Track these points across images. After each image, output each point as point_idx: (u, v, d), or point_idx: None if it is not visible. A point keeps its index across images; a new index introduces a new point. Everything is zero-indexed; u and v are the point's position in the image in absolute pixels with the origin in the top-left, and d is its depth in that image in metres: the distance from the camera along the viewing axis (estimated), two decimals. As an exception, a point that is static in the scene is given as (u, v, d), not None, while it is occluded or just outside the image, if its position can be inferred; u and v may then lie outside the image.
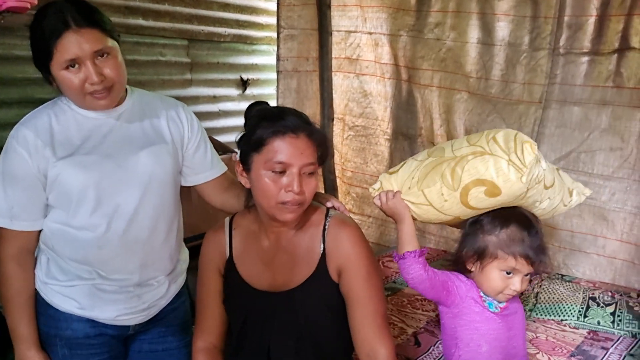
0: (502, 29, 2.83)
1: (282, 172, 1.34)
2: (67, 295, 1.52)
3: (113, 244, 1.49)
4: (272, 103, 3.57)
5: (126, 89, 1.56)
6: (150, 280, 1.57)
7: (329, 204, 1.54)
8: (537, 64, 2.76)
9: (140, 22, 3.02)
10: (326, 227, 1.43)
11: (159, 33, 3.11)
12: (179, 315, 1.67)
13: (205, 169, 1.66)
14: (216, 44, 3.46)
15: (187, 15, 3.25)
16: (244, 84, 3.67)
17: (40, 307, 1.54)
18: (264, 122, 1.37)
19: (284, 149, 1.33)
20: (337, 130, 3.59)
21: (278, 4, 3.49)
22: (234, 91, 3.63)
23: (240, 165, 1.42)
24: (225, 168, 1.72)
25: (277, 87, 3.56)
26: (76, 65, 1.38)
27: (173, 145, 1.56)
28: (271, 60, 3.71)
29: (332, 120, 3.51)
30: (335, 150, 3.59)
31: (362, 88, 3.45)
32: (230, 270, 1.48)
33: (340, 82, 3.54)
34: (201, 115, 3.34)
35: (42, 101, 2.53)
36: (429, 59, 3.09)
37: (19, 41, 2.51)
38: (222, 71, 3.53)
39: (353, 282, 1.40)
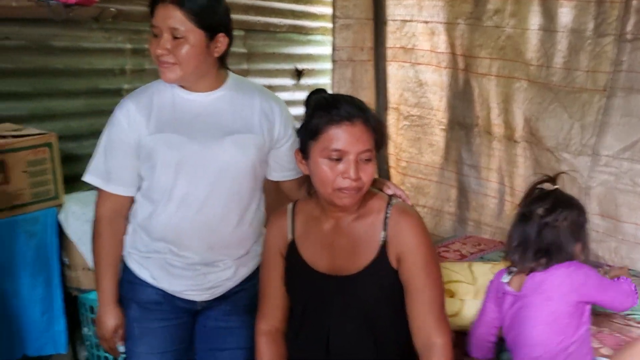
0: (565, 15, 2.75)
1: (339, 160, 1.35)
2: (143, 265, 1.61)
3: (184, 223, 1.55)
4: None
5: (226, 75, 1.63)
6: (217, 262, 1.61)
7: (389, 191, 1.54)
8: (602, 50, 2.66)
9: (198, 13, 3.08)
10: (388, 214, 1.43)
11: (217, 24, 3.17)
12: (246, 296, 1.70)
13: (292, 168, 1.68)
14: (272, 34, 3.49)
15: (244, 6, 3.29)
16: (298, 74, 3.69)
17: (122, 272, 1.65)
18: (319, 110, 1.39)
19: (340, 137, 1.35)
20: (392, 120, 3.58)
21: (334, -7, 3.50)
22: (289, 81, 3.65)
23: (300, 153, 1.44)
24: None
25: (332, 77, 3.57)
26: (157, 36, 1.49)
27: (262, 137, 1.59)
28: (326, 50, 3.72)
29: (387, 110, 3.49)
30: (389, 140, 3.57)
31: (418, 77, 3.42)
32: (292, 252, 1.50)
33: (395, 72, 3.53)
34: (258, 105, 3.43)
35: (106, 91, 2.68)
36: (487, 47, 3.04)
37: (86, 33, 2.61)
38: (277, 61, 3.55)
39: (412, 271, 1.40)
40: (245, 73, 3.37)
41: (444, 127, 3.34)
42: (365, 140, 1.36)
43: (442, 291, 1.45)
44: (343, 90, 3.55)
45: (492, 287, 1.81)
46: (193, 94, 1.56)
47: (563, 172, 1.95)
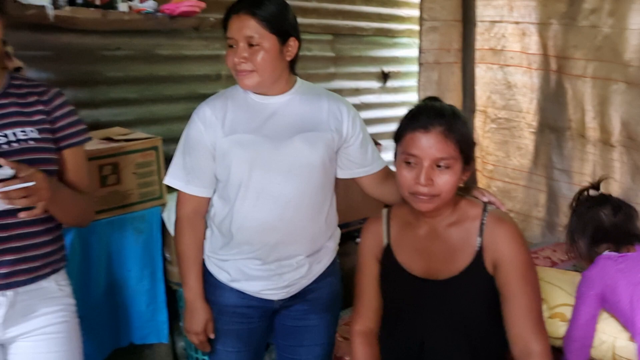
0: (669, 14, 2.62)
1: (414, 165, 1.40)
2: (221, 268, 1.69)
3: (259, 219, 1.61)
4: (413, 95, 3.62)
5: (295, 80, 1.69)
6: (290, 259, 1.66)
7: (484, 199, 1.55)
8: None
9: (290, 19, 3.18)
10: (484, 222, 1.45)
11: (307, 29, 3.24)
12: (322, 294, 1.75)
13: (366, 164, 1.73)
14: (359, 37, 3.54)
15: (332, 11, 3.37)
16: (384, 76, 3.72)
17: (203, 275, 1.73)
18: (405, 118, 1.46)
19: (415, 143, 1.40)
20: (479, 122, 3.54)
21: (421, -4, 3.51)
22: (375, 84, 3.70)
23: (394, 157, 1.49)
24: (385, 163, 1.79)
25: (419, 79, 3.58)
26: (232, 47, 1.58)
27: (330, 134, 1.65)
28: (412, 52, 3.73)
29: (474, 112, 3.46)
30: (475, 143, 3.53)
31: (506, 79, 3.36)
32: (387, 256, 1.55)
33: (482, 74, 3.48)
34: (343, 108, 3.49)
35: (205, 96, 2.79)
36: (582, 47, 2.94)
37: (186, 42, 2.78)
38: (364, 64, 3.61)
39: (509, 278, 1.41)
40: (332, 76, 3.46)
41: (533, 130, 3.26)
42: (441, 148, 1.39)
43: (539, 298, 1.45)
44: (429, 93, 3.55)
45: (596, 282, 1.77)
46: (265, 97, 1.63)
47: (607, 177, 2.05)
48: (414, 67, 3.68)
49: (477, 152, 3.56)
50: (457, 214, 1.49)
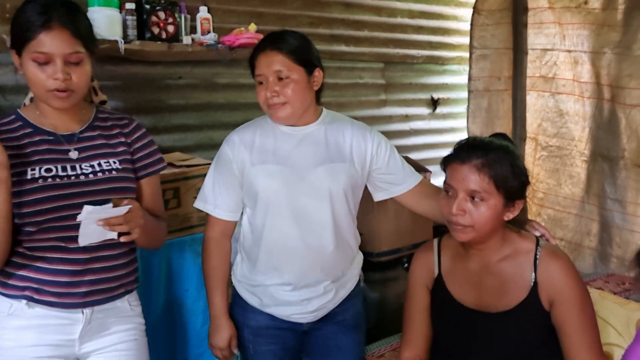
0: None
1: (452, 195, 1.47)
2: (253, 293, 1.77)
3: (285, 246, 1.68)
4: (462, 122, 3.65)
5: (322, 110, 1.77)
6: (318, 286, 1.72)
7: (537, 233, 1.58)
8: None
9: (343, 48, 3.28)
10: (537, 257, 1.48)
11: (358, 58, 3.35)
12: (348, 316, 1.80)
13: (400, 182, 1.78)
14: (409, 65, 3.62)
15: (383, 39, 3.45)
16: (434, 103, 3.77)
17: (235, 298, 1.82)
18: (452, 150, 1.53)
19: (452, 173, 1.48)
20: (529, 150, 3.53)
21: (471, 24, 3.55)
22: (424, 110, 3.75)
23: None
24: (421, 177, 1.83)
25: (468, 106, 3.61)
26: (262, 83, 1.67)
27: (351, 164, 1.70)
28: (462, 79, 3.78)
29: (524, 140, 3.46)
30: (525, 170, 3.53)
31: (558, 107, 3.36)
32: (439, 287, 1.59)
33: (533, 101, 3.49)
34: (393, 134, 3.57)
35: (260, 123, 2.94)
36: (637, 77, 2.92)
37: (243, 71, 2.85)
38: (414, 91, 3.67)
39: (567, 314, 1.43)
40: (383, 103, 3.53)
41: (585, 159, 3.24)
42: (474, 181, 1.43)
43: (598, 332, 1.46)
44: (478, 120, 3.59)
45: None
46: (293, 127, 1.70)
47: None
48: (464, 94, 3.71)
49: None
50: (509, 248, 1.52)
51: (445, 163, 1.51)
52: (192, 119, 2.77)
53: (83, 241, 1.40)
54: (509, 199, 1.47)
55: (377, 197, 1.83)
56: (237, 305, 1.82)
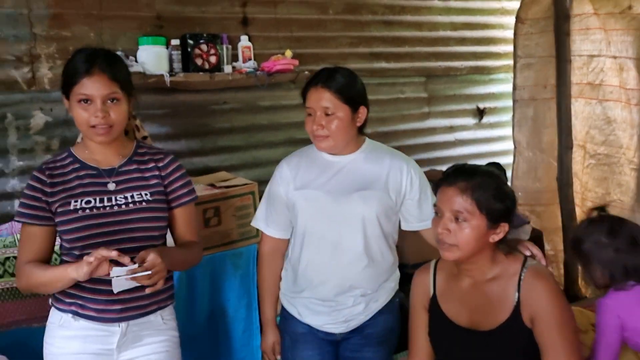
0: None
1: (440, 216, 1.56)
2: (292, 304, 1.95)
3: (319, 264, 1.84)
4: (510, 130, 3.64)
5: (364, 140, 1.91)
6: (348, 298, 1.86)
7: (527, 253, 1.64)
8: None
9: (383, 65, 3.39)
10: (522, 277, 1.55)
11: (400, 73, 3.45)
12: (377, 330, 1.92)
13: (423, 219, 1.90)
14: (453, 77, 3.66)
15: (425, 54, 3.53)
16: (480, 113, 3.79)
17: (281, 309, 2.01)
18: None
19: (440, 195, 1.57)
20: (578, 157, 3.48)
21: (515, 33, 3.55)
22: (470, 120, 3.78)
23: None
24: None
25: (513, 115, 3.60)
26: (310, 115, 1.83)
27: (385, 192, 1.84)
28: (508, 87, 3.76)
29: (571, 149, 3.41)
30: (575, 179, 3.48)
31: (606, 114, 3.29)
32: (434, 306, 1.68)
33: (581, 109, 3.44)
34: (438, 145, 3.64)
35: (301, 140, 3.11)
36: (682, 84, 2.84)
37: (284, 92, 3.08)
38: (458, 102, 3.71)
39: (546, 332, 1.49)
40: (426, 116, 3.60)
41: (634, 167, 3.16)
42: (457, 202, 1.52)
43: (578, 351, 1.51)
44: (525, 129, 3.58)
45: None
46: (335, 156, 1.86)
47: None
48: (511, 102, 3.70)
49: (577, 187, 3.50)
50: (498, 268, 1.59)
51: (437, 187, 1.61)
52: (237, 140, 2.99)
53: (116, 290, 1.59)
54: (492, 221, 1.54)
55: (403, 226, 1.96)
56: (281, 315, 2.02)
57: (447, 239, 1.54)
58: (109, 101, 1.64)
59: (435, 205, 1.59)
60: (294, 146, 3.08)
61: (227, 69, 2.74)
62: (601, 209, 1.79)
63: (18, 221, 1.70)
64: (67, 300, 1.70)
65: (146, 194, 1.74)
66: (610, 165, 3.30)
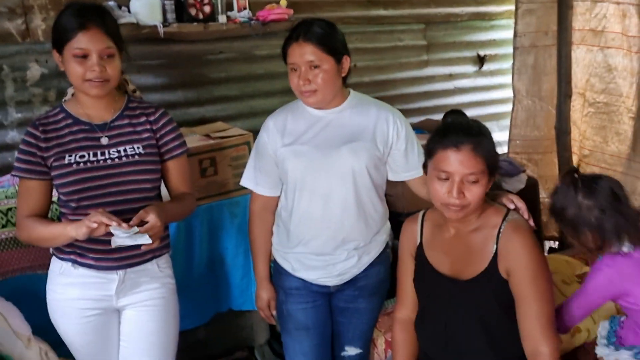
0: None
1: (446, 179, 1.55)
2: (285, 259, 1.99)
3: (310, 219, 1.88)
4: (508, 79, 3.61)
5: (348, 92, 1.91)
6: (341, 252, 1.91)
7: (511, 205, 1.68)
8: None
9: (381, 12, 3.34)
10: (501, 229, 1.59)
11: (398, 20, 3.40)
12: (370, 281, 1.99)
13: (409, 169, 1.93)
14: (453, 24, 3.61)
15: (424, 0, 3.46)
16: (480, 60, 3.75)
17: (274, 264, 2.05)
18: (435, 135, 1.61)
19: (447, 160, 1.55)
20: (577, 106, 3.46)
21: (517, -23, 3.47)
22: (470, 68, 3.75)
23: (422, 168, 1.67)
24: None
25: (514, 63, 3.57)
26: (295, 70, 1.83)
27: (373, 143, 1.85)
28: (510, 34, 3.69)
29: (570, 97, 3.39)
30: (573, 127, 3.47)
31: (607, 62, 3.25)
32: (419, 254, 1.74)
33: (582, 56, 3.39)
34: (436, 94, 3.63)
35: (298, 90, 3.11)
36: (684, 31, 2.79)
37: (280, 41, 2.97)
38: (458, 50, 3.67)
39: (520, 284, 1.54)
40: (425, 64, 3.58)
41: (632, 116, 3.14)
42: (470, 165, 1.53)
43: (550, 304, 1.56)
44: (525, 77, 3.55)
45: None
46: (321, 111, 1.87)
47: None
48: (512, 49, 3.65)
49: (575, 136, 3.50)
50: (481, 220, 1.64)
51: (435, 150, 1.59)
52: (233, 90, 3.00)
53: (114, 245, 1.63)
54: (491, 176, 1.59)
55: (390, 177, 1.98)
56: (274, 270, 2.07)
57: (461, 202, 1.56)
58: (105, 56, 1.67)
59: (440, 170, 1.56)
60: (290, 96, 3.03)
61: (222, 18, 2.72)
62: (574, 170, 1.73)
63: (15, 176, 1.77)
64: (67, 249, 1.77)
65: (138, 148, 1.79)
66: (609, 114, 3.28)
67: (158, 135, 1.84)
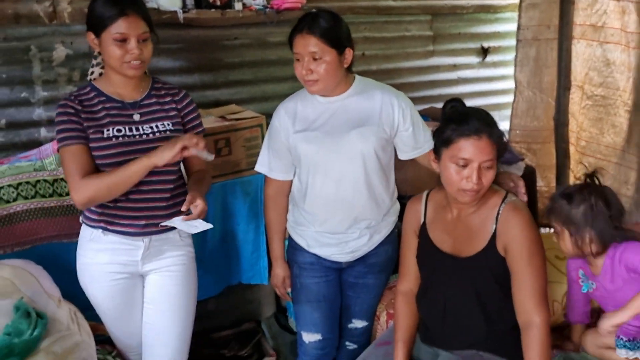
0: None
1: (464, 166, 1.67)
2: (301, 236, 2.14)
3: (324, 200, 2.02)
4: (510, 70, 3.74)
5: (354, 79, 2.03)
6: (354, 230, 2.05)
7: (511, 184, 1.82)
8: None
9: (390, 3, 3.45)
10: (500, 210, 1.73)
11: (406, 11, 3.52)
12: (379, 259, 2.15)
13: (418, 147, 2.07)
14: (459, 16, 3.72)
15: (432, -9, 3.58)
16: (484, 52, 3.87)
17: (289, 241, 2.21)
18: (452, 123, 1.71)
19: (467, 148, 1.66)
20: (576, 98, 3.59)
21: (522, -28, 3.58)
22: (474, 59, 3.86)
23: (433, 154, 1.80)
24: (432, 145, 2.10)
25: (516, 55, 3.69)
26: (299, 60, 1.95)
27: (380, 126, 1.98)
28: (513, 27, 3.80)
29: (569, 89, 3.52)
30: (571, 118, 3.61)
31: (605, 57, 3.37)
32: (423, 232, 1.88)
33: (582, 50, 3.51)
34: (440, 83, 3.77)
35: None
36: (679, 29, 2.91)
37: (292, 29, 3.18)
38: (463, 41, 3.78)
39: (516, 260, 1.68)
40: (430, 54, 3.70)
41: (628, 109, 3.27)
42: (488, 152, 1.66)
43: (543, 279, 1.71)
44: (526, 69, 3.66)
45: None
46: (328, 98, 2.00)
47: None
48: (515, 41, 3.76)
49: (573, 127, 3.63)
50: (482, 201, 1.78)
51: (454, 138, 1.67)
52: (247, 74, 3.13)
53: (170, 225, 1.84)
54: (498, 160, 1.72)
55: (400, 156, 2.12)
56: (289, 247, 2.22)
57: (478, 187, 1.66)
58: (142, 40, 1.80)
59: (461, 157, 1.64)
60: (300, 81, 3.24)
61: (238, 6, 2.84)
62: (591, 175, 1.80)
63: (63, 146, 1.83)
64: (96, 217, 1.92)
65: (168, 124, 1.92)
66: (606, 107, 3.41)
67: (182, 114, 1.98)
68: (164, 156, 1.75)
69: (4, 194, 2.26)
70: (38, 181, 2.34)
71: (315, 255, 2.13)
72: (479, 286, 1.75)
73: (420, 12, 3.56)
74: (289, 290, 2.25)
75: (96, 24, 1.81)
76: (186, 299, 2.03)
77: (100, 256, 1.93)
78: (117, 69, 1.84)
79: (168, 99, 1.97)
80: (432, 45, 3.68)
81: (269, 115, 2.67)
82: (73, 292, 2.09)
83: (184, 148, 1.75)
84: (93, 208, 1.92)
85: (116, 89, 1.91)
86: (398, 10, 3.48)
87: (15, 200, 2.28)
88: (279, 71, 3.20)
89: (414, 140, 2.06)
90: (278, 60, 3.19)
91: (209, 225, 1.84)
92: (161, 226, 1.90)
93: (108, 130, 1.85)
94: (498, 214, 1.73)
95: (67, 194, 2.35)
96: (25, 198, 2.29)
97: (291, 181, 2.14)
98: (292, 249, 2.19)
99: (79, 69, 2.71)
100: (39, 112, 2.68)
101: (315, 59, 1.90)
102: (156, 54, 2.73)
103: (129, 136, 1.87)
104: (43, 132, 2.68)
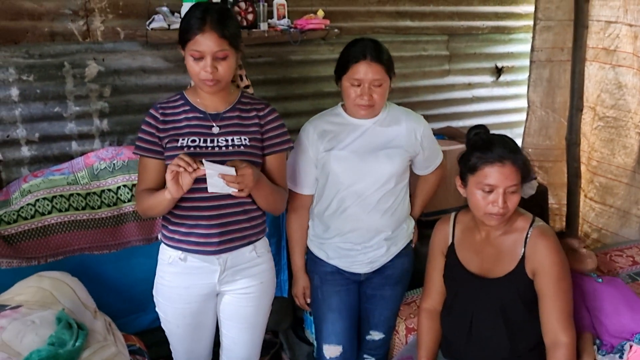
0: None
1: (490, 191, 1.75)
2: (321, 248, 2.24)
3: (346, 215, 2.12)
4: (523, 90, 3.82)
5: (386, 104, 2.14)
6: (372, 242, 2.15)
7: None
8: None
9: (408, 23, 3.55)
10: (528, 235, 1.81)
11: (423, 31, 3.61)
12: (396, 271, 2.24)
13: (426, 167, 2.27)
14: (474, 36, 3.81)
15: (448, 13, 3.67)
16: (498, 71, 3.96)
17: (308, 254, 2.30)
18: (477, 151, 1.78)
19: (492, 175, 1.73)
20: (587, 119, 3.67)
21: (536, -4, 3.67)
22: (488, 78, 3.95)
23: (459, 180, 1.88)
24: (433, 168, 2.29)
25: (529, 76, 3.77)
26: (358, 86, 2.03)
27: (404, 149, 2.11)
28: (527, 47, 3.88)
29: (581, 111, 3.60)
30: (583, 139, 3.69)
31: (617, 80, 3.46)
32: (451, 253, 1.96)
33: (595, 72, 3.60)
34: (455, 101, 3.85)
35: (328, 94, 3.34)
36: (691, 55, 2.99)
37: (315, 48, 3.28)
38: (478, 61, 3.87)
39: (545, 283, 1.75)
40: (446, 73, 3.79)
41: (639, 131, 3.36)
42: (513, 178, 1.73)
43: (570, 301, 1.78)
44: (539, 89, 3.75)
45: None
46: (359, 120, 2.09)
47: None
48: (528, 61, 3.84)
49: (584, 147, 3.71)
50: (509, 225, 1.85)
51: (480, 165, 1.74)
52: (269, 91, 3.21)
53: (210, 189, 1.72)
54: (523, 184, 1.79)
55: (417, 172, 2.28)
56: (309, 259, 2.31)
57: (504, 211, 1.72)
58: (219, 58, 1.77)
59: (486, 184, 1.72)
60: (321, 99, 3.34)
61: (263, 26, 2.93)
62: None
63: (136, 153, 1.91)
64: (174, 238, 1.93)
65: (245, 139, 1.90)
66: (617, 128, 3.49)
67: (264, 130, 1.95)
68: (170, 188, 1.75)
69: (39, 207, 2.35)
70: (71, 194, 2.42)
71: (336, 266, 2.22)
72: (505, 305, 1.82)
73: (437, 32, 3.65)
74: (309, 300, 2.33)
75: (180, 38, 1.83)
76: (260, 316, 2.08)
77: (178, 280, 1.96)
78: (196, 84, 1.89)
79: (252, 113, 1.95)
80: (448, 64, 3.76)
81: (291, 132, 2.78)
82: (104, 303, 2.16)
83: (176, 173, 1.72)
84: (165, 232, 1.96)
85: (202, 100, 1.92)
86: (416, 31, 3.57)
87: (50, 212, 2.36)
88: (301, 89, 3.29)
89: (426, 162, 2.23)
90: (300, 78, 3.28)
91: (229, 190, 1.72)
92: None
93: (183, 139, 1.86)
94: (527, 237, 1.80)
95: (99, 207, 2.44)
96: (60, 211, 2.38)
97: (312, 196, 2.22)
98: (312, 262, 2.28)
99: (110, 85, 2.79)
100: (70, 127, 2.76)
101: (375, 86, 1.99)
102: (183, 72, 2.84)
103: (201, 147, 1.85)
104: (74, 145, 2.77)
